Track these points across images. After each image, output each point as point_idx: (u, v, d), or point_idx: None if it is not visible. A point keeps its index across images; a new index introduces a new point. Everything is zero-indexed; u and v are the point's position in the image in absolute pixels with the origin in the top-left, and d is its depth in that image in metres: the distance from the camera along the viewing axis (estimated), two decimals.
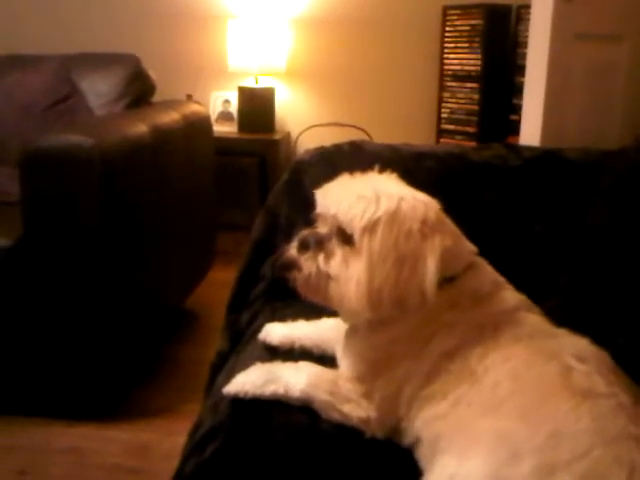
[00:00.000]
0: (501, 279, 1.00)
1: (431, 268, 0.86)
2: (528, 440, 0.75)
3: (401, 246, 0.87)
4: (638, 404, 0.79)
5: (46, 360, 1.87)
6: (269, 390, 0.96)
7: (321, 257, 0.93)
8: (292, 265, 0.95)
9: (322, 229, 0.96)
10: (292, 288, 0.97)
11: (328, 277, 0.92)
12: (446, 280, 0.93)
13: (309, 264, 0.94)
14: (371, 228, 0.89)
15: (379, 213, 0.89)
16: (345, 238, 0.91)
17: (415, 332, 0.93)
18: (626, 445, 0.73)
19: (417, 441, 0.90)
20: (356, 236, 0.89)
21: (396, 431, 0.93)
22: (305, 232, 0.98)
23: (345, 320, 1.01)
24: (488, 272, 1.00)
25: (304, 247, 0.95)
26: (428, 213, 0.91)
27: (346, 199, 0.92)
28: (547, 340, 0.90)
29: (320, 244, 0.94)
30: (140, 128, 2.03)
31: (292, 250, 0.97)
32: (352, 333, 1.01)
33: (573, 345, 0.88)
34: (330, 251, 0.93)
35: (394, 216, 0.89)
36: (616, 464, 0.71)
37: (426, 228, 0.89)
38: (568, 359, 0.83)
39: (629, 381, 0.84)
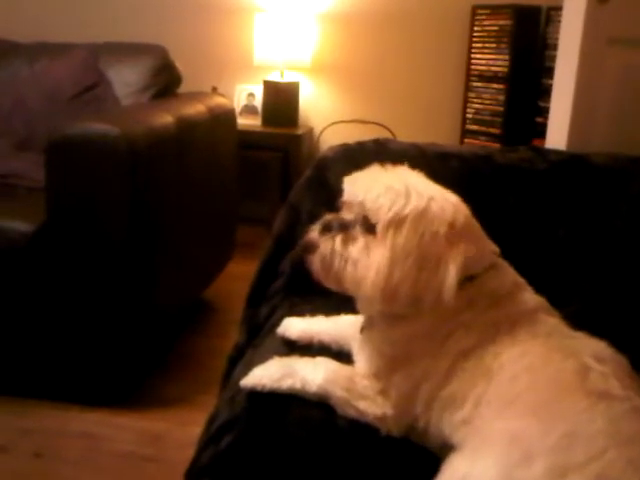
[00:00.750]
0: (521, 281, 0.99)
1: (452, 274, 0.86)
2: (541, 440, 0.75)
3: (425, 247, 0.87)
4: None
5: (64, 345, 1.89)
6: (286, 384, 0.97)
7: (339, 238, 0.94)
8: (312, 246, 0.96)
9: (347, 216, 0.96)
10: (309, 271, 0.97)
11: (345, 260, 0.93)
12: (466, 279, 0.93)
13: (327, 244, 0.94)
14: (397, 222, 0.88)
15: (407, 209, 0.89)
16: (368, 227, 0.91)
17: (433, 330, 0.93)
18: None
19: (447, 446, 0.89)
20: (380, 227, 0.89)
21: (413, 430, 0.93)
22: (329, 216, 0.98)
23: (360, 309, 1.01)
24: (509, 273, 0.99)
25: (326, 230, 0.96)
26: (456, 216, 0.91)
27: (375, 188, 0.92)
28: (565, 339, 0.89)
29: (343, 229, 0.94)
30: (166, 119, 2.04)
31: (314, 232, 0.97)
32: (369, 328, 1.01)
33: (592, 346, 0.87)
34: (351, 236, 0.93)
35: (422, 215, 0.89)
36: (630, 467, 0.70)
37: (452, 233, 0.89)
38: (586, 358, 0.83)
39: None
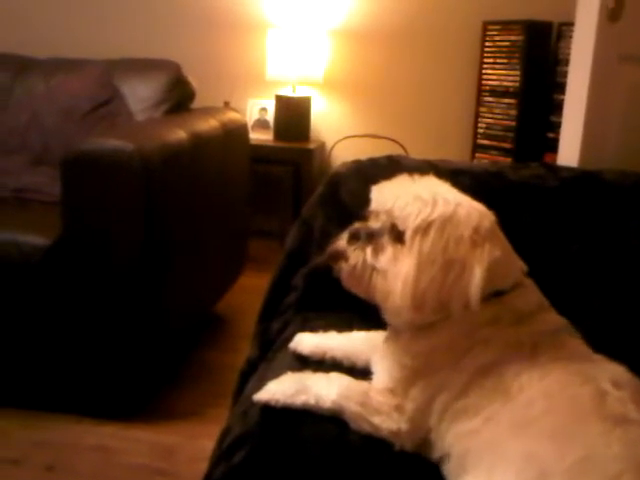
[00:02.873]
0: (546, 301, 0.99)
1: (477, 276, 0.87)
2: (557, 462, 0.75)
3: (450, 251, 0.88)
4: None
5: (77, 358, 1.90)
6: (300, 400, 0.97)
7: (369, 249, 0.94)
8: (340, 255, 0.97)
9: (374, 224, 0.97)
10: (337, 278, 0.98)
11: (374, 270, 0.93)
12: (493, 294, 0.93)
13: (357, 254, 0.95)
14: (424, 229, 0.89)
15: (434, 215, 0.90)
16: (397, 235, 0.92)
17: (454, 342, 0.93)
18: None
19: (446, 456, 0.89)
20: (408, 234, 0.90)
21: (425, 443, 0.93)
22: (357, 225, 0.99)
23: (388, 319, 1.01)
24: (534, 293, 0.99)
25: (354, 239, 0.97)
26: (482, 222, 0.92)
27: (403, 197, 0.93)
28: (585, 364, 0.89)
29: (371, 238, 0.95)
30: (179, 134, 2.06)
31: (342, 241, 0.98)
32: (392, 339, 1.01)
33: (610, 371, 0.87)
34: (380, 245, 0.94)
35: (448, 220, 0.90)
36: None
37: (477, 236, 0.90)
38: (604, 384, 0.83)
39: None
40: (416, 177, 1.00)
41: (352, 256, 0.96)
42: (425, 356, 0.95)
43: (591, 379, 0.84)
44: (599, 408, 0.80)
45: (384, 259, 0.93)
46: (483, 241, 0.90)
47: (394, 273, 0.91)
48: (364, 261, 0.94)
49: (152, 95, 2.56)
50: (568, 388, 0.84)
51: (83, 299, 1.85)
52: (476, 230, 0.90)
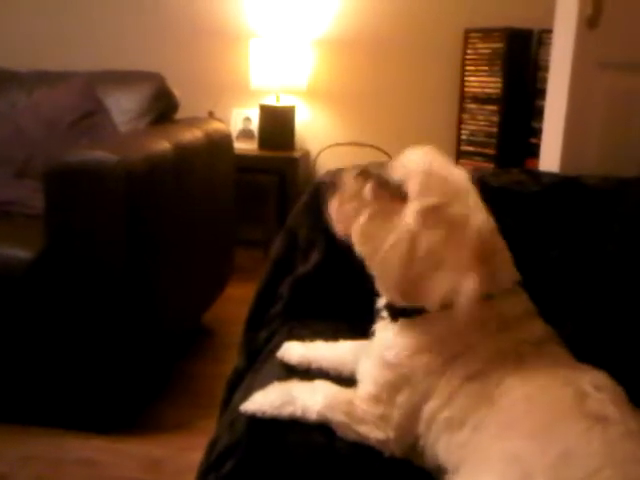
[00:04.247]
0: (533, 309, 1.00)
1: (470, 290, 0.86)
2: (539, 460, 0.76)
3: (450, 252, 0.88)
4: None
5: (64, 372, 1.89)
6: (286, 411, 0.97)
7: (369, 186, 0.94)
8: (339, 184, 0.97)
9: (386, 175, 0.96)
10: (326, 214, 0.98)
11: (364, 208, 0.93)
12: (482, 297, 0.93)
13: (353, 185, 0.95)
14: (436, 218, 0.89)
15: (451, 210, 0.90)
16: (402, 194, 0.92)
17: (441, 346, 0.93)
18: (635, 468, 0.74)
19: (442, 469, 0.90)
20: (416, 208, 0.90)
21: (415, 451, 0.94)
22: (371, 168, 0.98)
23: (377, 280, 0.99)
24: (523, 300, 1.00)
25: (362, 176, 0.96)
26: (490, 237, 0.93)
27: (432, 172, 0.93)
28: (567, 369, 0.90)
29: (377, 182, 0.95)
30: (163, 145, 2.06)
31: (348, 174, 0.97)
32: (379, 335, 1.02)
33: (591, 375, 0.89)
34: (381, 192, 0.94)
35: (461, 223, 0.90)
36: None
37: (481, 250, 0.90)
38: (585, 386, 0.85)
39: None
40: (451, 162, 0.99)
41: (349, 184, 0.95)
42: (410, 357, 0.95)
43: (572, 382, 0.86)
44: (579, 408, 0.81)
45: (379, 204, 0.93)
46: (483, 257, 0.90)
47: (384, 225, 0.91)
48: (358, 192, 0.94)
49: (136, 107, 2.56)
50: (549, 390, 0.85)
51: (68, 312, 1.84)
52: (482, 245, 0.90)
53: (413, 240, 0.89)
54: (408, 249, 0.88)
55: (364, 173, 0.96)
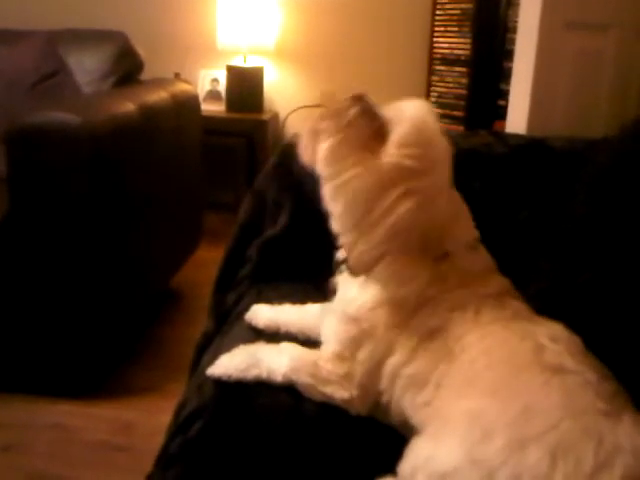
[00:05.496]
0: (492, 264, 1.02)
1: (406, 206, 0.88)
2: (500, 417, 0.77)
3: (414, 181, 0.89)
4: (604, 381, 0.81)
5: (31, 336, 1.87)
6: (252, 374, 0.98)
7: (354, 110, 0.94)
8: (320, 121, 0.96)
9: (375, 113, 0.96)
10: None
11: (339, 137, 0.93)
12: (441, 255, 0.95)
13: (339, 106, 0.95)
14: (411, 172, 0.89)
15: (425, 180, 0.90)
16: (382, 134, 0.92)
17: (401, 301, 0.94)
18: (594, 418, 0.75)
19: (407, 425, 0.91)
20: (395, 156, 0.90)
21: (378, 407, 0.95)
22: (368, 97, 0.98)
23: (334, 217, 0.98)
24: (482, 256, 1.02)
25: (355, 98, 0.96)
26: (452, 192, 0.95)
27: (419, 122, 0.93)
28: (524, 322, 0.92)
29: (364, 110, 0.95)
30: (128, 107, 2.02)
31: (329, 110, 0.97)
32: (340, 291, 1.02)
33: (548, 328, 0.90)
34: (362, 123, 0.94)
35: (433, 187, 0.91)
36: (585, 435, 0.73)
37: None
38: (542, 339, 0.86)
39: (597, 362, 0.86)
40: (442, 127, 0.99)
41: (327, 119, 0.95)
42: (371, 310, 0.96)
43: (529, 336, 0.87)
44: (537, 360, 0.83)
45: (355, 135, 0.93)
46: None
47: (354, 158, 0.91)
48: (341, 113, 0.94)
49: (99, 67, 2.50)
50: (507, 345, 0.87)
51: (35, 276, 1.82)
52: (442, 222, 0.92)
53: (380, 183, 0.89)
54: (370, 189, 0.89)
55: (357, 97, 0.96)
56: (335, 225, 0.97)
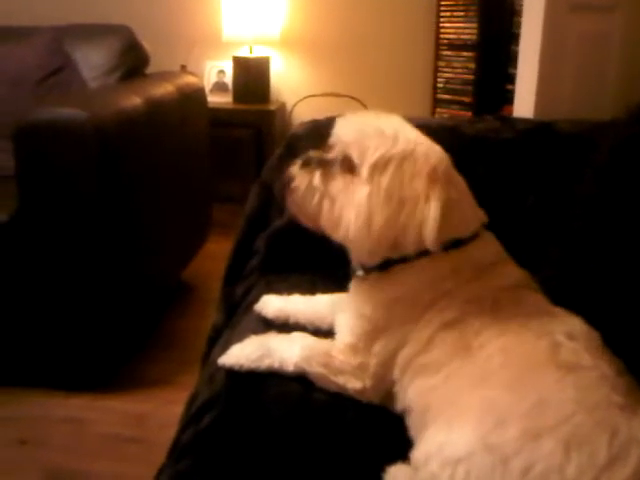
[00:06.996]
0: (504, 253, 1.01)
1: (434, 212, 0.87)
2: (514, 407, 0.77)
3: (407, 187, 0.89)
4: (620, 376, 0.82)
5: (44, 332, 1.89)
6: (264, 364, 0.98)
7: (318, 173, 0.95)
8: (290, 181, 0.97)
9: (329, 154, 0.97)
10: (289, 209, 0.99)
11: (322, 197, 0.94)
12: (452, 244, 0.94)
13: (303, 177, 0.95)
14: (383, 165, 0.90)
15: (394, 151, 0.91)
16: (349, 167, 0.93)
17: (416, 295, 0.94)
18: (608, 411, 0.75)
19: (408, 410, 0.91)
20: (365, 169, 0.91)
21: (389, 395, 0.95)
22: (311, 153, 0.98)
23: (353, 253, 0.99)
24: (494, 244, 1.01)
25: (306, 165, 0.96)
26: (441, 162, 0.93)
27: (366, 131, 0.94)
28: (542, 318, 0.91)
29: (323, 166, 0.95)
30: (134, 101, 2.02)
31: (294, 167, 0.98)
32: (354, 289, 1.02)
33: (565, 324, 0.89)
34: (331, 173, 0.94)
35: (407, 157, 0.91)
36: (598, 428, 0.73)
37: (435, 175, 0.90)
38: (558, 336, 0.85)
39: (614, 358, 0.86)
40: (381, 114, 0.99)
41: (298, 178, 0.95)
42: (386, 308, 0.95)
43: (547, 333, 0.86)
44: (553, 358, 0.82)
45: (334, 186, 0.93)
46: (440, 179, 0.90)
47: (345, 202, 0.91)
48: (310, 183, 0.94)
49: (105, 62, 2.50)
50: (524, 343, 0.86)
51: (47, 272, 1.83)
52: (434, 169, 0.91)
53: (371, 201, 0.89)
54: (369, 212, 0.89)
55: (307, 163, 0.97)
56: (353, 256, 0.99)
